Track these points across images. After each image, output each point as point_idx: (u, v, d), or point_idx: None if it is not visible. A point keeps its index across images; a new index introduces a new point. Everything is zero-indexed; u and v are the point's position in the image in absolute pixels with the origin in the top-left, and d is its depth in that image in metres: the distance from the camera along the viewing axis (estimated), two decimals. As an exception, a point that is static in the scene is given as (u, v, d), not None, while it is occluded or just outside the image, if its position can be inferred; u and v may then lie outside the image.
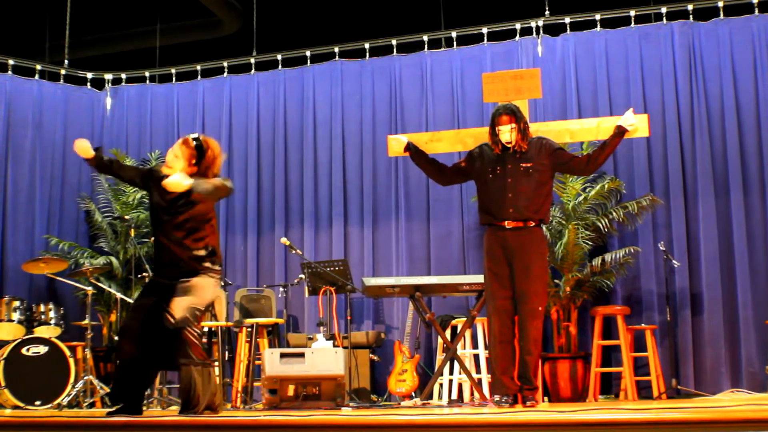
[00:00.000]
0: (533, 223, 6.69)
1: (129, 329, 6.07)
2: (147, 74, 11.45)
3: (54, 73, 11.13)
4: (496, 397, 6.56)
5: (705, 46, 9.44)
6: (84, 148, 6.20)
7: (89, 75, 11.42)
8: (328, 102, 10.63)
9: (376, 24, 10.79)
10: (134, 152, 11.04)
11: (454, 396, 8.76)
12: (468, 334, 8.66)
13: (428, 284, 8.04)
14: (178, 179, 5.90)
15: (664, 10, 9.56)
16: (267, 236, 10.64)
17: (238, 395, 8.65)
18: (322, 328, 8.52)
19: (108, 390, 8.43)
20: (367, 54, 10.59)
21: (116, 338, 6.19)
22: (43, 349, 8.57)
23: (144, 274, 8.92)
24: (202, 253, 6.09)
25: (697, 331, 9.02)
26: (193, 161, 6.17)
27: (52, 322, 9.10)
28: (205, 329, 8.88)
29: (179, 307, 5.92)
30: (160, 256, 6.17)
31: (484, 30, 10.13)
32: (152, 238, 6.36)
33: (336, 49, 10.69)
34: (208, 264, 6.12)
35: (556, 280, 9.02)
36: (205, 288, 6.09)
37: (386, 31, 10.56)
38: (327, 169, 10.51)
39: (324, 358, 7.50)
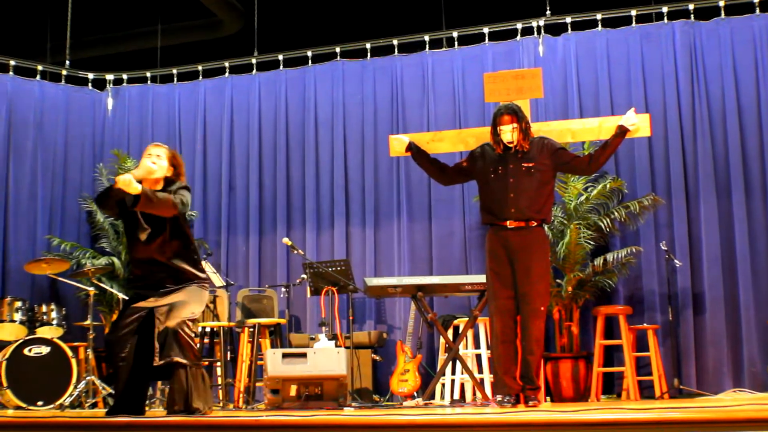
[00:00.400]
0: (535, 223, 6.69)
1: (122, 352, 6.03)
2: (148, 74, 11.46)
3: (55, 74, 11.14)
4: (499, 397, 6.56)
5: (706, 45, 9.44)
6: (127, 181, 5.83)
7: (90, 75, 11.43)
8: (330, 102, 10.64)
9: (378, 24, 10.80)
10: (135, 153, 11.03)
11: (457, 396, 8.76)
12: (470, 334, 8.67)
13: (430, 284, 8.04)
14: (131, 179, 5.75)
15: (665, 9, 9.56)
16: (269, 236, 10.64)
17: (241, 395, 8.65)
18: (324, 328, 8.52)
19: (110, 390, 8.44)
20: (369, 54, 10.59)
21: (108, 355, 6.14)
22: (45, 350, 8.57)
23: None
24: (186, 266, 6.11)
25: (699, 331, 9.02)
26: (173, 162, 6.13)
27: (54, 322, 9.11)
28: (207, 329, 8.89)
29: (173, 315, 5.93)
30: (145, 270, 6.13)
31: (486, 30, 10.14)
32: (129, 254, 6.30)
33: (337, 49, 10.70)
34: (196, 273, 6.16)
35: (558, 280, 9.02)
36: (197, 296, 6.12)
37: (387, 31, 10.56)
38: (329, 169, 10.51)
39: (326, 358, 7.49)
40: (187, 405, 5.93)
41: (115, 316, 10.08)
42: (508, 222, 6.66)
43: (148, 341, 6.00)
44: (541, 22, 9.90)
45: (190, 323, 5.98)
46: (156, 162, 6.03)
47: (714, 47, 9.42)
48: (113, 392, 6.21)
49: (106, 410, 6.41)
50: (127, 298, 6.49)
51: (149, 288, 6.07)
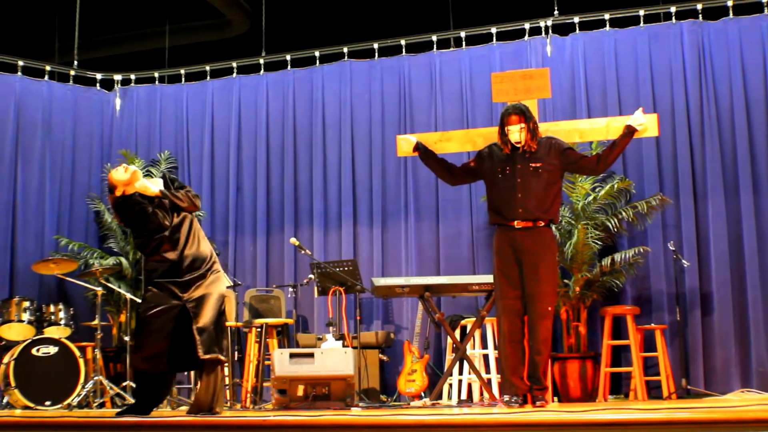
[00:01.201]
0: (543, 223, 6.69)
1: (160, 353, 6.13)
2: (156, 75, 11.46)
3: (63, 74, 11.15)
4: (506, 397, 6.56)
5: (714, 45, 9.42)
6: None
7: (98, 76, 11.44)
8: (337, 102, 10.63)
9: (385, 24, 10.79)
10: (143, 153, 11.06)
11: (464, 396, 8.75)
12: (477, 334, 8.66)
13: (438, 284, 8.04)
14: (145, 183, 6.22)
15: (673, 9, 9.54)
16: (276, 236, 10.65)
17: (248, 395, 8.67)
18: (331, 328, 8.52)
19: (118, 390, 8.45)
20: (376, 54, 10.59)
21: (140, 357, 6.20)
22: (53, 350, 8.58)
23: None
24: (199, 250, 6.23)
25: (707, 331, 9.00)
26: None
27: (62, 322, 9.12)
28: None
29: (206, 311, 6.06)
30: (165, 270, 6.21)
31: (493, 30, 10.13)
32: (148, 257, 6.38)
33: (345, 49, 10.69)
34: (208, 265, 6.27)
35: (566, 280, 9.01)
36: (218, 285, 6.31)
37: (395, 31, 10.55)
38: (336, 169, 10.51)
39: (333, 358, 7.50)
40: (211, 407, 6.05)
41: (122, 317, 10.10)
42: (515, 222, 6.66)
43: (181, 338, 6.09)
44: (549, 22, 9.89)
45: (223, 315, 6.23)
46: (128, 168, 6.26)
47: (722, 47, 9.39)
48: (136, 391, 6.26)
49: (117, 410, 6.44)
50: (139, 300, 6.55)
51: (170, 276, 6.15)
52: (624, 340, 8.77)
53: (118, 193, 6.20)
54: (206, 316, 6.10)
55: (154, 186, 6.19)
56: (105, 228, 10.88)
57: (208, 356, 6.07)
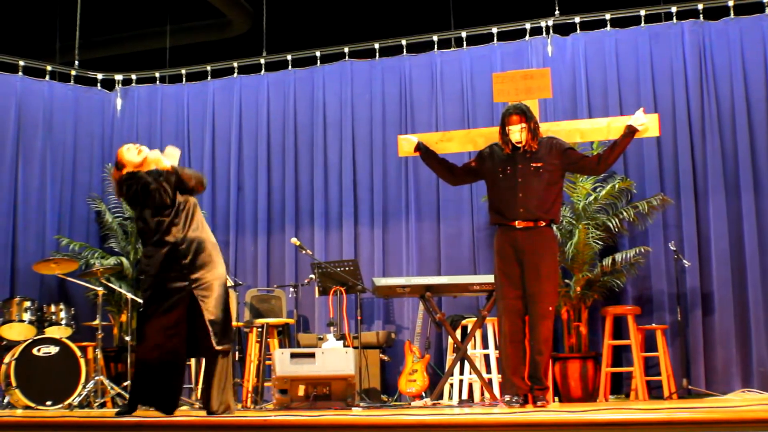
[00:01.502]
0: (543, 223, 6.69)
1: (176, 351, 6.13)
2: (157, 75, 11.46)
3: (64, 74, 11.15)
4: (507, 397, 6.56)
5: (715, 45, 9.42)
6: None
7: (99, 76, 11.44)
8: (338, 102, 10.63)
9: (386, 24, 10.79)
10: (144, 153, 11.03)
11: (465, 396, 8.75)
12: (478, 334, 8.66)
13: (439, 284, 8.04)
14: (159, 156, 6.28)
15: (674, 9, 9.54)
16: (277, 236, 10.64)
17: (249, 395, 8.66)
18: (332, 328, 8.52)
19: (119, 390, 8.45)
20: (377, 54, 10.58)
21: (147, 348, 6.17)
22: (54, 350, 8.58)
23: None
24: (200, 234, 6.24)
25: (707, 331, 9.00)
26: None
27: (63, 322, 9.11)
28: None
29: (214, 302, 6.08)
30: (167, 254, 6.18)
31: (494, 30, 10.12)
32: (152, 246, 6.31)
33: (346, 50, 10.69)
34: (211, 249, 6.29)
35: (567, 280, 9.01)
36: (219, 272, 6.27)
37: (396, 31, 10.55)
38: (337, 169, 10.51)
39: (334, 358, 7.50)
40: (218, 398, 6.08)
41: (123, 316, 10.09)
42: (516, 222, 6.66)
43: (192, 328, 6.14)
44: (550, 22, 9.89)
45: (228, 302, 6.23)
46: (141, 151, 6.29)
47: (723, 47, 9.39)
48: (140, 388, 6.22)
49: (117, 410, 6.44)
50: (140, 300, 6.53)
51: (173, 260, 6.12)
52: (625, 340, 8.77)
53: (125, 171, 6.20)
54: (216, 306, 6.07)
55: (167, 160, 6.19)
56: (106, 228, 10.88)
57: (221, 347, 6.08)
